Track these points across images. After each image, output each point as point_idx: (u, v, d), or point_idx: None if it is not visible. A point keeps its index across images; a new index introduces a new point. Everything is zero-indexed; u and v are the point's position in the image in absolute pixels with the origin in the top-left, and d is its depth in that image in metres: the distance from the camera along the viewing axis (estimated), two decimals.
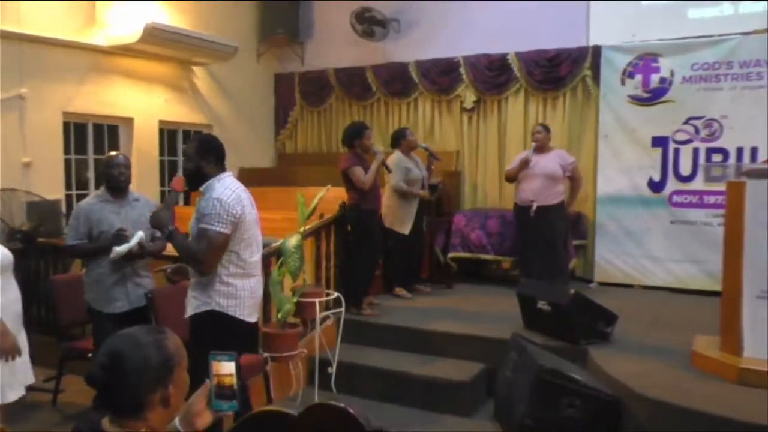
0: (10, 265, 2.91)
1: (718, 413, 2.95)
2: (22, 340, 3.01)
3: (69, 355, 4.16)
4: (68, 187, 6.08)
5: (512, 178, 5.64)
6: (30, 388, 3.20)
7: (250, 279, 2.96)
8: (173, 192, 2.89)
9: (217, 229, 2.75)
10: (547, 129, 5.63)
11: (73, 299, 4.12)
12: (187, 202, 7.00)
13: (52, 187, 5.69)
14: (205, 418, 1.58)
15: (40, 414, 4.06)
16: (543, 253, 5.40)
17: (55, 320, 4.31)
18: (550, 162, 5.48)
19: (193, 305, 2.89)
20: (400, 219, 5.42)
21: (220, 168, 2.93)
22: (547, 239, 5.40)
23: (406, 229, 5.42)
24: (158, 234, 3.38)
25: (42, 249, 5.04)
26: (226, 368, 1.59)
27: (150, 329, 1.54)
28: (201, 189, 2.89)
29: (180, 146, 7.35)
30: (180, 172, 6.55)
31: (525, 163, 5.45)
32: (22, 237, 4.57)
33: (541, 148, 5.53)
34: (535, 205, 5.37)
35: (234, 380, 1.59)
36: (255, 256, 3.00)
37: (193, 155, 2.89)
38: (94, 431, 1.47)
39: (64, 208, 5.73)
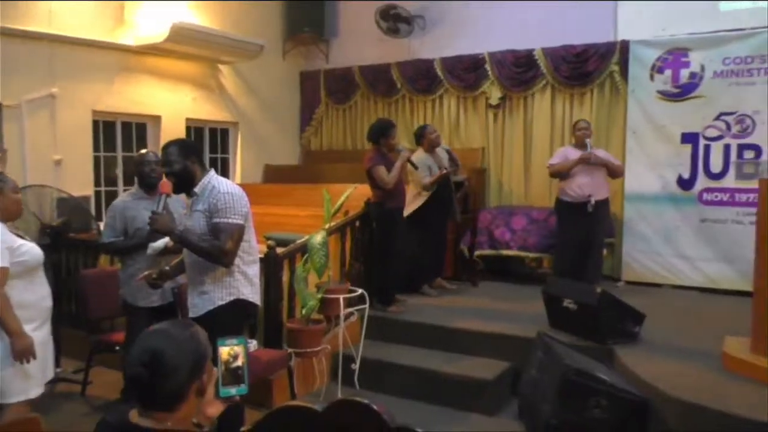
0: (40, 263, 2.93)
1: (749, 416, 2.88)
2: (47, 338, 2.99)
3: (98, 348, 4.23)
4: (97, 183, 6.18)
5: (564, 174, 5.37)
6: (59, 380, 3.23)
7: (256, 264, 3.09)
8: (163, 195, 2.90)
9: (234, 221, 2.85)
10: (589, 123, 5.57)
11: (102, 293, 4.20)
12: None
13: (81, 183, 5.81)
14: (217, 407, 1.58)
15: (69, 404, 4.14)
16: (586, 251, 5.27)
17: (85, 314, 4.38)
18: (603, 155, 5.40)
19: (211, 299, 2.92)
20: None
21: (204, 167, 2.99)
22: (593, 236, 5.28)
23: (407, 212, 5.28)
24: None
25: (71, 244, 5.12)
26: (235, 352, 1.59)
27: (181, 324, 1.57)
28: (196, 190, 2.92)
29: (207, 144, 7.44)
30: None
31: (586, 160, 5.24)
32: (51, 232, 4.66)
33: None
34: (593, 200, 5.21)
35: (244, 362, 1.60)
36: (254, 240, 3.10)
37: (177, 158, 2.91)
38: (122, 423, 1.49)
39: (93, 205, 5.83)
